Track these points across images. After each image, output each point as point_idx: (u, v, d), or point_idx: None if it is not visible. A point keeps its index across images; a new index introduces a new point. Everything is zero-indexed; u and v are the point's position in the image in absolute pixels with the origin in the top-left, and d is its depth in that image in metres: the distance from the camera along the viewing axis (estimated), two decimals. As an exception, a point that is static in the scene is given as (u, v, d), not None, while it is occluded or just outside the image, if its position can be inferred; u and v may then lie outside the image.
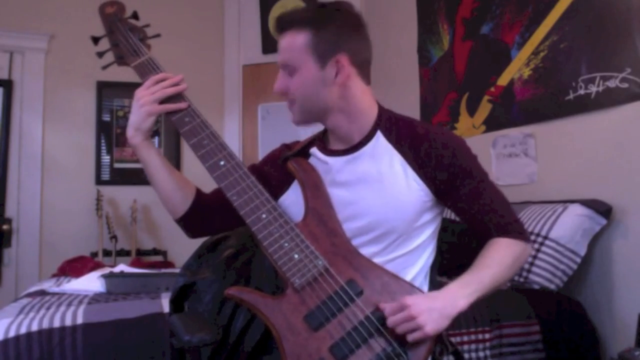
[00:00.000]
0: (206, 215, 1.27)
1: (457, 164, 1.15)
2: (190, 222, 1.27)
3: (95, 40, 1.26)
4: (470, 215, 1.18)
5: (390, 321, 1.02)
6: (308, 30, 1.13)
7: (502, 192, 1.21)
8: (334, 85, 1.15)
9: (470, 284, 1.07)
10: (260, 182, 1.15)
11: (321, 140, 1.26)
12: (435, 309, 1.01)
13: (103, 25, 1.28)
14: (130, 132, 1.17)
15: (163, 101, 1.17)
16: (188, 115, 1.17)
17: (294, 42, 1.14)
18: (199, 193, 1.27)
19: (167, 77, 1.18)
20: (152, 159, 1.19)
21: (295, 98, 1.17)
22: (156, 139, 3.78)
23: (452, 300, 1.04)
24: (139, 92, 1.16)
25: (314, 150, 1.24)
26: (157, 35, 1.30)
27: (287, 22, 1.16)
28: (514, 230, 1.17)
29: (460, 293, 1.05)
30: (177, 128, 1.17)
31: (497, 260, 1.12)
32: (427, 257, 1.21)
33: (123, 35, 1.25)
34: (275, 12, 3.95)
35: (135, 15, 1.29)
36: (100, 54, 1.27)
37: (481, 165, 1.20)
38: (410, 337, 1.01)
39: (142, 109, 1.15)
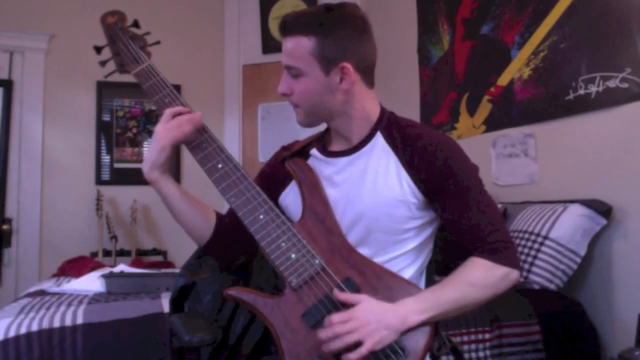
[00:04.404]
0: (229, 238, 1.25)
1: (448, 168, 1.12)
2: (216, 249, 1.25)
3: (98, 49, 1.29)
4: (454, 224, 1.13)
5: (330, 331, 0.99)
6: (314, 36, 1.11)
7: (497, 208, 1.15)
8: (338, 91, 1.14)
9: (427, 300, 1.03)
10: (265, 184, 1.16)
11: (320, 141, 1.27)
12: (382, 320, 0.99)
13: (105, 34, 1.30)
14: (146, 167, 1.16)
15: None
16: None
17: (299, 47, 1.12)
18: (219, 217, 1.26)
19: (183, 112, 1.17)
20: (170, 192, 1.19)
21: (299, 102, 1.17)
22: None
23: (404, 314, 1.00)
24: (157, 127, 1.16)
25: (314, 151, 1.24)
26: (157, 43, 1.32)
27: (293, 25, 1.13)
28: (498, 250, 1.10)
29: (414, 308, 1.02)
30: None
31: (464, 282, 1.07)
32: (423, 259, 1.20)
33: (124, 44, 1.27)
34: (276, 12, 3.94)
35: (136, 24, 1.30)
36: (103, 63, 1.29)
37: (477, 175, 1.16)
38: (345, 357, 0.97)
39: (156, 144, 1.14)
